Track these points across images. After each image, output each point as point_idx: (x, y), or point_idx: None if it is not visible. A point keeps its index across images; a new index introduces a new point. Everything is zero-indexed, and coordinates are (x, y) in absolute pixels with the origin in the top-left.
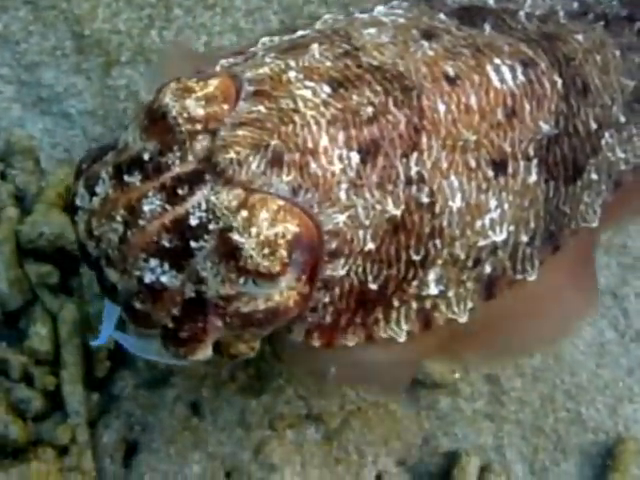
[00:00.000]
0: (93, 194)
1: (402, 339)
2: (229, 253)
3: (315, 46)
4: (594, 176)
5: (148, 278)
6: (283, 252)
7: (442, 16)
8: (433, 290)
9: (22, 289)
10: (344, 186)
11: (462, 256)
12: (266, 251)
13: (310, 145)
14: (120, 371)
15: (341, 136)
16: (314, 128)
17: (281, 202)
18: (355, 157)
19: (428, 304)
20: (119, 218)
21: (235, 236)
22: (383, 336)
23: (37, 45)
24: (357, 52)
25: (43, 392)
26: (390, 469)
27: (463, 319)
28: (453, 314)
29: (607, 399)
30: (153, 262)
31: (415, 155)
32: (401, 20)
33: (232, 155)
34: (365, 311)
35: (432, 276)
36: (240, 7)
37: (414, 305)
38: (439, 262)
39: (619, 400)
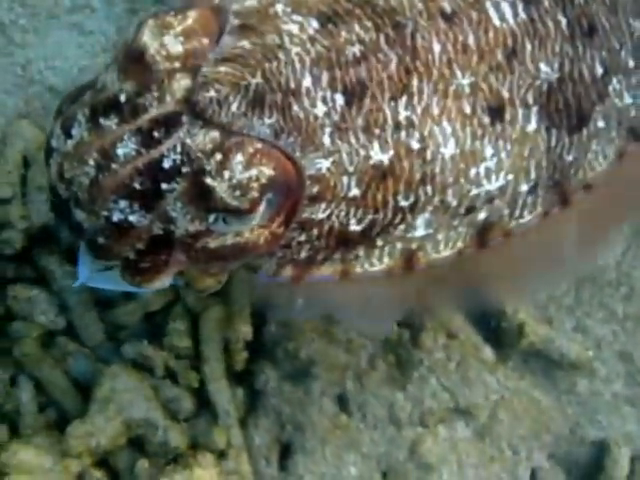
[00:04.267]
0: (68, 136)
1: (378, 271)
2: (200, 195)
3: None
4: (601, 124)
5: (116, 217)
6: (254, 193)
7: None
8: (420, 232)
9: (166, 291)
10: (328, 130)
11: (454, 203)
12: (237, 193)
13: (292, 85)
14: (258, 363)
15: (325, 76)
16: (297, 67)
17: (259, 145)
18: (340, 99)
19: (414, 245)
20: (92, 162)
21: (207, 179)
22: (359, 271)
23: None
24: None
25: (189, 389)
26: (544, 464)
27: (446, 254)
28: (438, 254)
29: None
30: (122, 203)
31: (404, 99)
32: None
33: (212, 94)
34: (346, 248)
35: (420, 220)
36: None
37: (399, 245)
38: (429, 208)
39: None
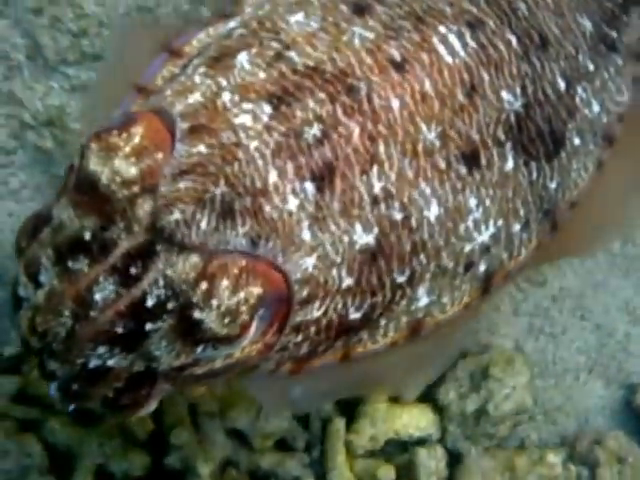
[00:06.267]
0: (37, 284)
1: (382, 348)
2: (187, 330)
3: (243, 55)
4: (577, 141)
5: (93, 364)
6: (245, 317)
7: None
8: (424, 302)
9: None
10: (305, 224)
11: (451, 265)
12: (226, 320)
13: (259, 185)
14: None
15: (290, 167)
16: (260, 163)
17: (243, 262)
18: (310, 187)
19: (420, 314)
20: (67, 312)
21: (195, 313)
22: (360, 350)
23: None
24: (289, 52)
25: None
26: None
27: (454, 312)
28: (445, 314)
29: None
30: (101, 349)
31: (375, 169)
32: None
33: (177, 216)
34: (348, 336)
35: (422, 291)
36: None
37: (404, 319)
38: (427, 277)
39: None
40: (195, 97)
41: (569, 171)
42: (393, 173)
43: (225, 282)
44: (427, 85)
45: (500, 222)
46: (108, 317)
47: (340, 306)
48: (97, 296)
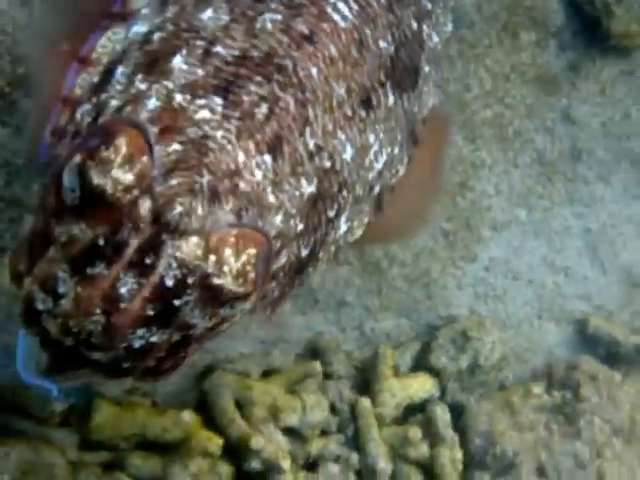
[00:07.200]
0: (57, 295)
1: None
2: (214, 296)
3: (178, 58)
4: (426, 68)
5: (137, 344)
6: (252, 274)
7: None
8: (343, 229)
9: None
10: (269, 189)
11: (361, 193)
12: (240, 280)
13: (232, 167)
14: (471, 473)
15: (251, 146)
16: (229, 148)
17: (234, 231)
18: (268, 159)
19: (341, 241)
20: (98, 310)
21: (214, 280)
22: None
23: None
24: (215, 47)
25: None
26: None
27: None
28: (354, 236)
29: None
30: (141, 331)
31: (308, 130)
32: None
33: (179, 209)
34: (301, 274)
35: (342, 220)
36: None
37: (332, 248)
38: (347, 207)
39: None
40: (153, 102)
41: (422, 94)
42: (320, 129)
43: (228, 250)
44: (333, 50)
45: (389, 149)
46: (138, 305)
47: (295, 249)
48: (122, 290)
